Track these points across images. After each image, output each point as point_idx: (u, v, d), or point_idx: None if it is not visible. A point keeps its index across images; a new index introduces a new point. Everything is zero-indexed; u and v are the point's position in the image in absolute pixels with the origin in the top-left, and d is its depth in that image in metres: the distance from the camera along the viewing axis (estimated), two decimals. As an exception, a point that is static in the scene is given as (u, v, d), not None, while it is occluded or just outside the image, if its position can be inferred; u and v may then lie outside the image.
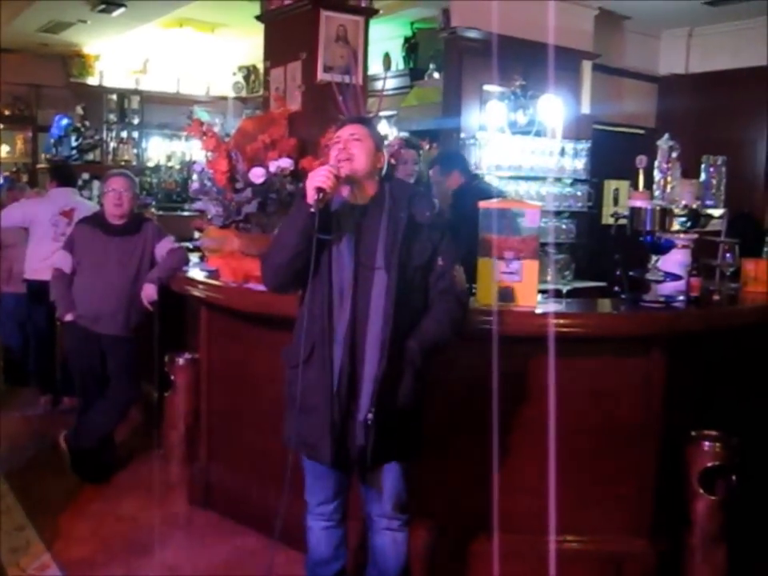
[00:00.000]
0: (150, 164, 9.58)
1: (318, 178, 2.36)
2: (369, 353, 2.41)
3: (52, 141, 8.52)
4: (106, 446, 4.31)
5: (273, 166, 3.31)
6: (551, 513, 3.09)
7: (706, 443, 3.13)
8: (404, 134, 6.43)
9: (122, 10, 7.11)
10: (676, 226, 3.36)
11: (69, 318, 4.22)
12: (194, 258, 4.43)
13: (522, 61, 5.79)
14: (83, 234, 4.26)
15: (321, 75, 4.11)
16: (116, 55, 9.22)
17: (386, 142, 3.70)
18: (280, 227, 2.56)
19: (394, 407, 2.44)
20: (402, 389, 2.44)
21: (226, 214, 3.45)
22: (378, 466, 2.52)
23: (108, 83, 9.21)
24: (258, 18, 4.60)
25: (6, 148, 9.74)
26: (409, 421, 2.52)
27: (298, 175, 3.40)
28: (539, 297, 3.17)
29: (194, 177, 3.87)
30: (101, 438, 4.24)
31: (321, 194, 2.34)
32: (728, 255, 3.63)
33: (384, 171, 2.56)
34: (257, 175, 3.27)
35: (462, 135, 5.66)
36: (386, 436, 2.44)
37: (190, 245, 5.09)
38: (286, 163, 3.33)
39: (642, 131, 7.56)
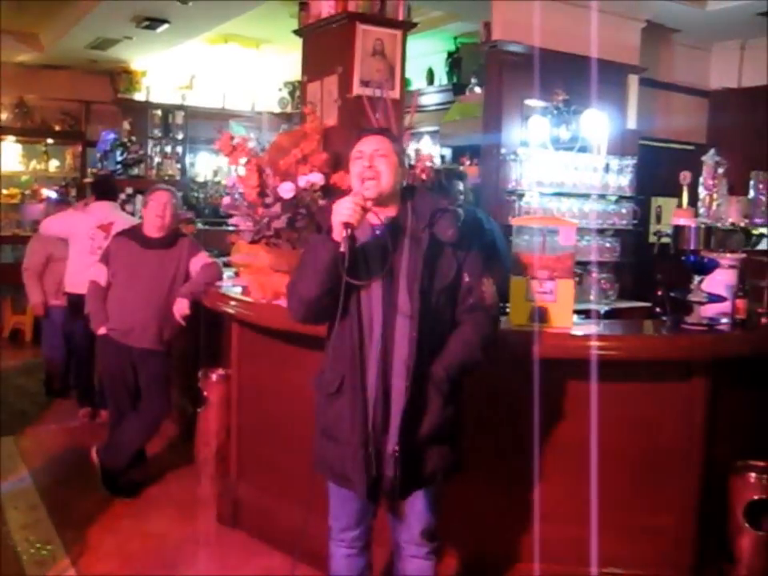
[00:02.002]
0: (198, 179, 9.66)
1: (345, 212, 2.23)
2: (396, 383, 2.31)
3: (98, 155, 8.64)
4: (137, 462, 4.29)
5: (302, 181, 3.26)
6: (584, 543, 2.97)
7: (753, 474, 3.00)
8: (444, 150, 6.36)
9: (165, 26, 7.19)
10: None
11: (102, 331, 4.22)
12: (229, 272, 4.41)
13: (565, 75, 5.66)
14: (119, 246, 4.27)
15: (357, 89, 4.06)
16: (162, 71, 9.34)
17: (417, 157, 3.66)
18: (305, 258, 2.43)
19: (424, 436, 2.35)
20: (428, 417, 2.35)
21: (256, 229, 3.41)
22: (406, 494, 2.43)
23: (154, 99, 9.32)
24: (295, 32, 4.58)
25: (55, 163, 9.93)
26: (444, 445, 2.42)
27: (329, 191, 3.34)
28: (575, 317, 3.05)
29: (227, 191, 3.85)
30: (132, 454, 4.22)
31: (348, 230, 2.22)
32: (778, 276, 3.46)
33: (404, 184, 2.47)
34: (285, 190, 3.22)
35: (503, 151, 5.55)
36: (414, 465, 2.36)
37: (228, 260, 5.08)
38: (315, 178, 3.27)
39: (691, 147, 7.35)
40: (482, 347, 2.40)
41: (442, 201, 2.50)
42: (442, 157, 7.09)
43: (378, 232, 2.36)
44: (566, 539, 3.05)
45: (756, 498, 2.95)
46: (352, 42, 4.09)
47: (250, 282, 3.54)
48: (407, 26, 4.31)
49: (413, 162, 3.46)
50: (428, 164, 3.48)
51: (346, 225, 2.22)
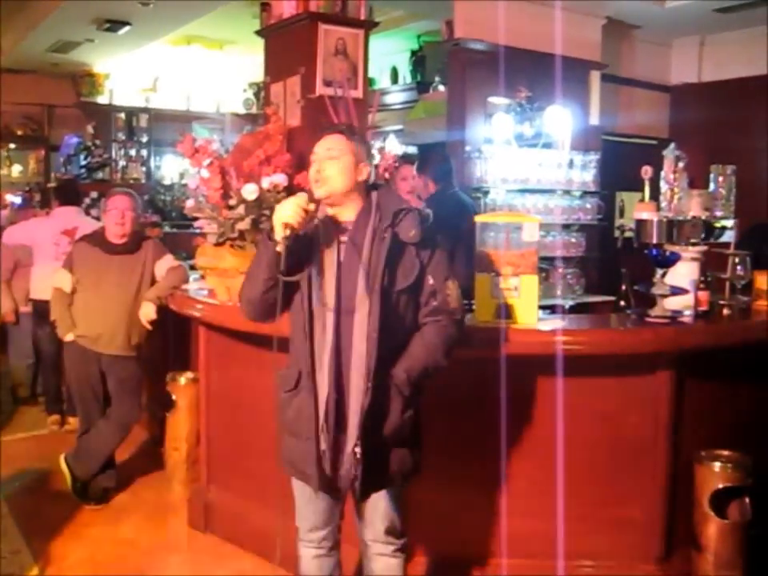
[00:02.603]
0: (165, 182, 9.58)
1: (286, 213, 2.25)
2: (354, 382, 2.31)
3: (62, 160, 8.55)
4: (107, 468, 4.24)
5: (265, 182, 3.24)
6: (553, 536, 3.00)
7: (717, 463, 3.03)
8: (410, 148, 6.38)
9: (127, 28, 7.13)
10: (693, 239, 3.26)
11: (69, 337, 4.17)
12: (195, 275, 4.38)
13: (528, 72, 5.70)
14: (83, 252, 4.21)
15: (320, 89, 4.06)
16: (125, 73, 9.25)
17: (379, 157, 3.65)
18: (253, 258, 2.46)
19: (384, 437, 2.34)
20: (389, 419, 2.34)
21: (221, 231, 3.39)
22: (366, 493, 2.43)
23: (118, 102, 9.24)
24: (257, 32, 4.56)
25: (18, 168, 9.81)
26: (403, 447, 2.42)
27: (293, 191, 3.33)
28: (540, 313, 3.07)
29: (189, 194, 3.83)
30: (102, 460, 4.18)
31: (289, 231, 2.24)
32: (739, 268, 3.51)
33: (370, 181, 2.46)
34: (249, 192, 3.21)
35: (468, 148, 5.57)
36: (376, 466, 2.35)
37: (194, 262, 5.05)
38: (279, 179, 3.26)
39: (654, 142, 7.43)
40: (444, 351, 2.39)
41: (405, 202, 2.51)
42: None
43: (326, 230, 2.38)
44: (535, 534, 3.07)
45: (720, 486, 2.99)
46: (314, 42, 4.09)
47: (215, 284, 3.52)
48: (369, 26, 4.32)
49: (376, 162, 3.45)
50: (390, 162, 3.49)
51: (286, 225, 2.24)
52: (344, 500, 2.51)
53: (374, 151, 3.60)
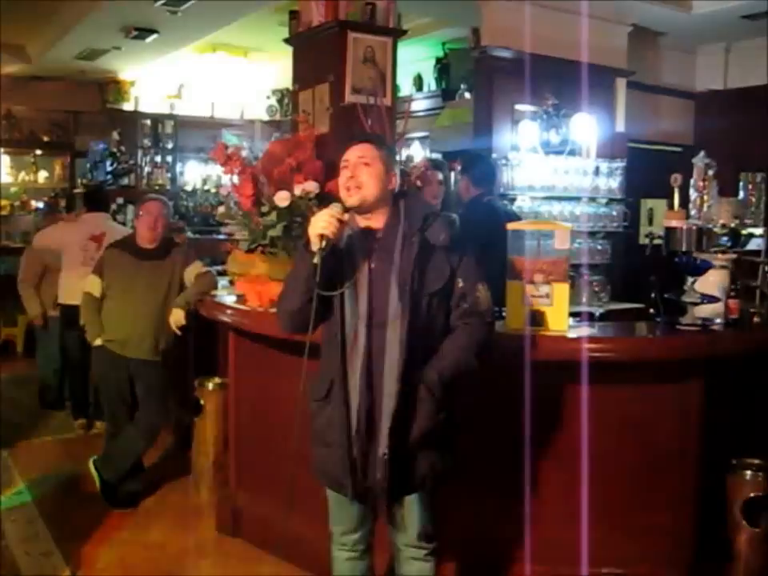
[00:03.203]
0: (187, 188, 9.66)
1: (320, 224, 2.26)
2: (387, 387, 2.33)
3: (88, 166, 8.63)
4: (135, 472, 4.28)
5: (298, 189, 3.27)
6: (583, 543, 2.99)
7: (748, 472, 3.03)
8: (435, 155, 6.39)
9: (154, 36, 7.20)
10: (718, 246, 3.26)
11: (98, 342, 4.22)
12: (224, 281, 4.42)
13: (554, 79, 5.71)
14: (113, 257, 4.27)
15: (349, 97, 4.09)
16: (151, 81, 9.35)
17: (411, 164, 3.68)
18: (291, 269, 2.48)
19: (414, 440, 2.36)
20: (419, 421, 2.35)
21: (252, 237, 3.42)
22: (402, 497, 2.44)
23: (143, 108, 9.33)
24: (286, 41, 4.60)
25: (44, 174, 9.92)
26: (433, 450, 2.43)
27: (325, 198, 3.36)
28: (571, 320, 3.08)
29: (221, 200, 3.86)
30: (130, 464, 4.21)
31: (324, 242, 2.25)
32: (769, 275, 3.50)
33: (397, 190, 2.48)
34: (281, 198, 3.24)
35: (494, 155, 5.58)
36: (406, 469, 2.37)
37: (220, 268, 5.09)
38: (311, 186, 3.29)
39: (679, 149, 7.42)
40: (476, 353, 2.41)
41: (433, 206, 2.53)
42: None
43: (355, 238, 2.39)
44: (565, 540, 3.06)
45: (752, 495, 2.98)
46: (343, 50, 4.12)
47: (246, 290, 3.55)
48: (397, 34, 4.35)
49: (407, 169, 3.47)
50: (422, 170, 3.51)
51: (322, 237, 2.25)
52: (375, 504, 2.52)
53: (403, 158, 3.63)
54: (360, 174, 2.37)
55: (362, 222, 2.42)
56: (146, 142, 9.28)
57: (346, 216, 2.33)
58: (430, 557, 2.55)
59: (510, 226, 3.02)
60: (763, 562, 2.97)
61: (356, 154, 2.40)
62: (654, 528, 3.10)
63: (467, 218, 3.73)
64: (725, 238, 3.31)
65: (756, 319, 3.33)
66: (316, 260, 2.25)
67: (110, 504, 4.15)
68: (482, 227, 3.10)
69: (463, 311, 2.40)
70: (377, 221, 2.42)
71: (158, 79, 9.37)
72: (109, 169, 8.49)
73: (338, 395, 2.36)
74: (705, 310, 3.16)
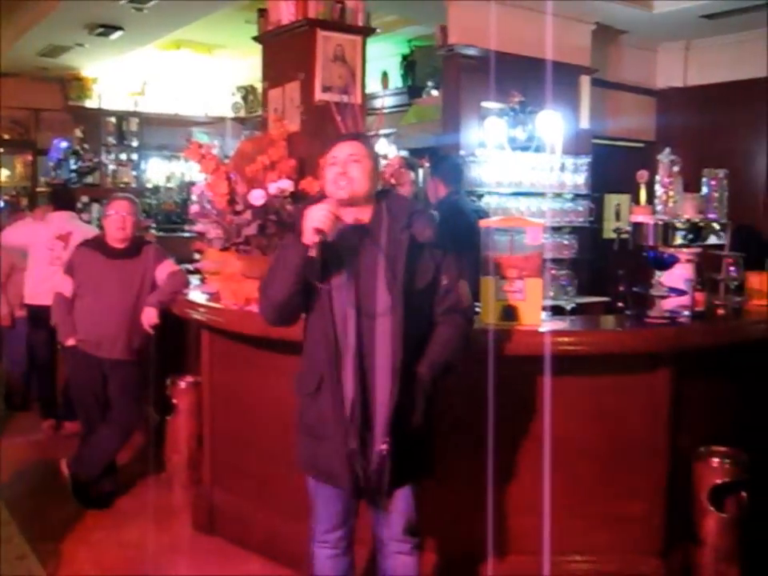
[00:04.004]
0: (149, 185, 9.57)
1: (318, 219, 2.27)
2: (380, 381, 2.36)
3: (51, 164, 8.52)
4: (108, 472, 4.26)
5: (272, 188, 3.29)
6: (556, 532, 3.06)
7: (715, 459, 3.10)
8: (403, 153, 6.43)
9: (119, 33, 7.13)
10: (678, 240, 3.34)
11: (70, 342, 4.19)
12: (194, 280, 4.41)
13: (520, 77, 5.79)
14: (83, 257, 4.23)
15: (319, 95, 4.12)
16: (114, 78, 9.25)
17: (385, 161, 3.72)
18: (275, 260, 2.47)
19: (408, 433, 2.40)
20: (415, 415, 2.40)
21: (226, 236, 3.43)
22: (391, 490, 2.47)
23: (106, 106, 9.23)
24: (255, 38, 4.61)
25: (5, 172, 9.77)
26: (422, 444, 2.48)
27: (298, 196, 3.38)
28: (543, 315, 3.14)
29: (194, 198, 3.86)
30: (103, 464, 4.20)
31: (320, 236, 2.27)
32: (732, 269, 3.60)
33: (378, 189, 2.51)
34: (256, 197, 3.25)
35: (462, 152, 5.64)
36: (401, 462, 2.40)
37: (190, 267, 5.08)
38: (285, 185, 3.31)
39: (641, 144, 7.56)
40: (461, 348, 2.47)
41: (417, 203, 2.57)
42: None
43: (347, 233, 2.40)
44: (539, 530, 3.12)
45: (719, 482, 3.06)
46: (313, 48, 4.15)
47: (221, 288, 3.56)
48: (367, 32, 4.39)
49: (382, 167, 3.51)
50: (396, 168, 3.55)
51: (318, 231, 2.27)
52: (362, 499, 2.55)
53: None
54: (351, 169, 2.39)
55: (348, 217, 2.44)
56: (111, 139, 9.19)
57: (341, 195, 2.36)
58: (414, 550, 2.58)
59: (483, 223, 3.08)
60: (730, 545, 3.05)
61: (346, 151, 2.42)
62: (624, 516, 3.18)
63: (441, 217, 3.78)
64: (685, 233, 3.40)
65: (720, 311, 3.43)
66: (314, 253, 2.26)
67: (84, 504, 4.13)
68: (444, 226, 3.13)
69: (447, 307, 2.45)
70: (362, 217, 2.44)
71: (121, 76, 9.27)
72: (73, 167, 8.38)
73: (330, 389, 2.38)
74: (672, 303, 3.25)
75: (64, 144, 8.51)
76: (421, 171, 5.92)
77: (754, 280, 3.75)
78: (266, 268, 3.24)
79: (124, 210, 4.18)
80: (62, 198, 5.74)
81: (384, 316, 2.35)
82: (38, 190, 9.00)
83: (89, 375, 4.19)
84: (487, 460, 3.08)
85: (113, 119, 9.25)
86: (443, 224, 3.28)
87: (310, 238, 2.28)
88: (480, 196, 5.54)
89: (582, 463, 3.15)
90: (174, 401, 4.39)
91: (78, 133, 8.89)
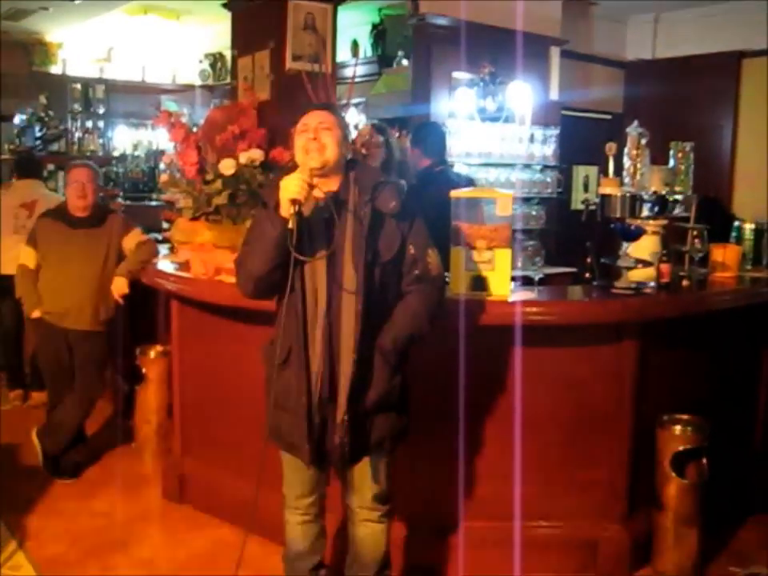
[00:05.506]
0: (116, 153, 9.41)
1: (293, 189, 2.26)
2: (344, 355, 2.37)
3: (15, 131, 8.34)
4: (77, 442, 4.26)
5: (243, 157, 3.27)
6: (524, 499, 3.13)
7: (677, 427, 3.18)
8: (372, 121, 6.40)
9: (84, -4, 6.98)
10: (645, 212, 3.39)
11: (36, 315, 4.15)
12: (163, 249, 4.39)
13: (491, 47, 5.78)
14: (46, 227, 4.18)
15: (290, 64, 4.09)
16: (79, 43, 9.05)
17: (356, 130, 3.70)
18: (252, 233, 2.45)
19: (372, 405, 2.42)
20: (376, 386, 2.42)
21: (196, 205, 3.41)
22: (355, 461, 2.51)
23: (72, 72, 9.02)
24: (224, 5, 4.55)
25: (-33, 139, 9.53)
26: (391, 412, 2.50)
27: (268, 166, 3.37)
28: (512, 285, 3.17)
29: (162, 167, 3.83)
30: (71, 434, 4.19)
31: (296, 207, 2.27)
32: (697, 241, 3.66)
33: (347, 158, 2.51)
34: (227, 166, 3.23)
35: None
36: (363, 432, 2.43)
37: (158, 236, 5.04)
38: (256, 154, 3.29)
39: (609, 116, 7.61)
40: (428, 318, 2.47)
41: (383, 174, 2.56)
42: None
43: (321, 206, 2.40)
44: (507, 497, 3.19)
45: (681, 448, 3.14)
46: (283, 16, 4.11)
47: (191, 258, 3.55)
48: (337, 0, 4.35)
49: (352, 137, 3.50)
50: (367, 138, 3.54)
51: (294, 201, 2.27)
52: (329, 468, 2.58)
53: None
54: (322, 137, 2.38)
55: (319, 187, 2.41)
56: (76, 106, 8.99)
57: (315, 180, 2.34)
58: (384, 518, 2.62)
59: (453, 193, 3.09)
60: (691, 510, 3.14)
61: (317, 120, 2.41)
62: (589, 482, 3.25)
63: (420, 189, 3.78)
64: (651, 204, 3.44)
65: (685, 282, 3.50)
66: (291, 225, 2.26)
67: (53, 475, 4.13)
68: (439, 198, 3.14)
69: (415, 277, 2.45)
70: (329, 188, 2.43)
71: (87, 41, 9.07)
72: (38, 134, 8.23)
73: (297, 361, 2.39)
74: (638, 275, 3.30)
75: (26, 111, 8.33)
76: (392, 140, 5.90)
77: (718, 252, 3.82)
78: (236, 238, 3.26)
79: (83, 177, 4.12)
80: (28, 166, 5.64)
81: (348, 290, 2.36)
82: (2, 157, 8.80)
83: (55, 346, 4.16)
84: (456, 429, 3.14)
85: (78, 86, 9.03)
86: (433, 195, 3.30)
87: (286, 210, 2.28)
88: (450, 166, 5.53)
89: (549, 432, 3.21)
90: (144, 370, 4.40)
91: (43, 99, 8.67)
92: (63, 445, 4.18)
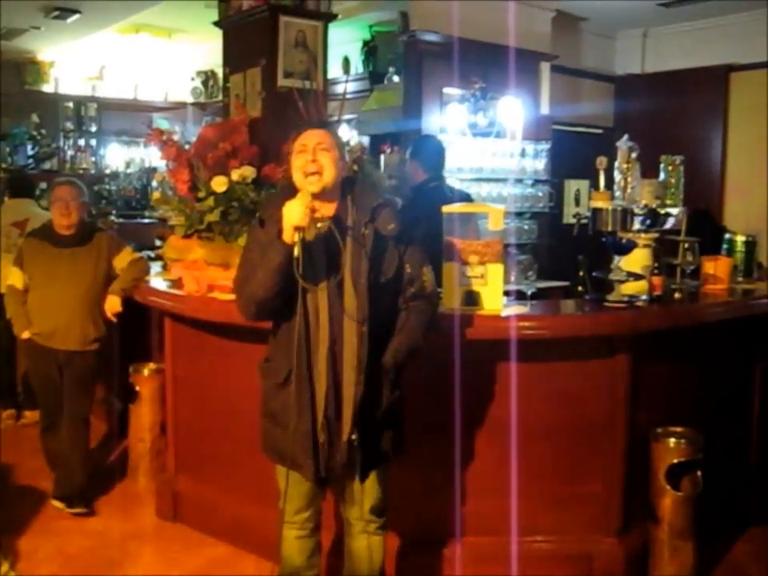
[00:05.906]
0: (109, 171, 9.42)
1: (297, 216, 2.26)
2: (347, 375, 2.38)
3: (7, 150, 8.35)
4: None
5: (235, 174, 3.28)
6: (517, 513, 3.12)
7: (672, 440, 3.18)
8: (363, 138, 6.44)
9: (76, 16, 6.99)
10: (636, 226, 3.40)
11: (25, 335, 4.11)
12: (155, 267, 4.38)
13: (482, 63, 5.82)
14: (32, 247, 4.12)
15: (281, 81, 4.10)
16: (71, 62, 9.07)
17: (347, 148, 3.71)
18: (252, 254, 2.42)
19: (376, 422, 2.44)
20: (380, 404, 2.44)
21: (189, 223, 3.42)
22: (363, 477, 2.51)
23: (64, 90, 9.05)
24: (216, 23, 4.56)
25: (-41, 157, 9.53)
26: (391, 427, 2.52)
27: (260, 183, 3.38)
28: (504, 299, 3.18)
29: (155, 185, 3.83)
30: (83, 466, 4.05)
31: (301, 233, 2.27)
32: (688, 253, 3.67)
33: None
34: (219, 184, 3.24)
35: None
36: (371, 449, 2.45)
37: (151, 253, 5.04)
38: (248, 171, 3.30)
39: (600, 131, 7.65)
40: (423, 333, 2.50)
41: (382, 194, 2.57)
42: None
43: (324, 231, 2.38)
44: (501, 512, 3.18)
45: (675, 461, 3.15)
46: (274, 33, 4.12)
47: (184, 275, 3.55)
48: (329, 17, 4.37)
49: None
50: (358, 154, 3.56)
51: (298, 228, 2.27)
52: (328, 484, 2.58)
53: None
54: (320, 158, 2.37)
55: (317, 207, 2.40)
56: (68, 124, 9.00)
57: (317, 204, 2.34)
58: (380, 530, 2.63)
59: (446, 208, 3.10)
60: (686, 523, 3.14)
61: (315, 140, 2.39)
62: (584, 496, 3.25)
63: (414, 204, 3.79)
64: (643, 218, 3.46)
65: (677, 295, 3.51)
66: (297, 253, 2.26)
67: (69, 508, 3.99)
68: (432, 212, 3.15)
69: (411, 295, 2.48)
70: (327, 210, 2.43)
71: (78, 60, 9.10)
72: (30, 153, 8.23)
73: (299, 383, 2.38)
74: (630, 288, 3.31)
75: (18, 129, 8.35)
76: (382, 157, 5.94)
77: (709, 264, 3.83)
78: (229, 255, 3.27)
79: (66, 195, 4.04)
80: (19, 185, 5.64)
81: (350, 311, 2.36)
82: (-1, 176, 8.80)
83: (46, 366, 4.08)
84: (450, 443, 3.14)
85: (70, 104, 9.05)
86: (426, 210, 3.31)
87: (290, 236, 2.27)
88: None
89: (543, 446, 3.21)
90: (137, 388, 4.38)
91: (35, 118, 8.70)
92: (83, 480, 4.04)
